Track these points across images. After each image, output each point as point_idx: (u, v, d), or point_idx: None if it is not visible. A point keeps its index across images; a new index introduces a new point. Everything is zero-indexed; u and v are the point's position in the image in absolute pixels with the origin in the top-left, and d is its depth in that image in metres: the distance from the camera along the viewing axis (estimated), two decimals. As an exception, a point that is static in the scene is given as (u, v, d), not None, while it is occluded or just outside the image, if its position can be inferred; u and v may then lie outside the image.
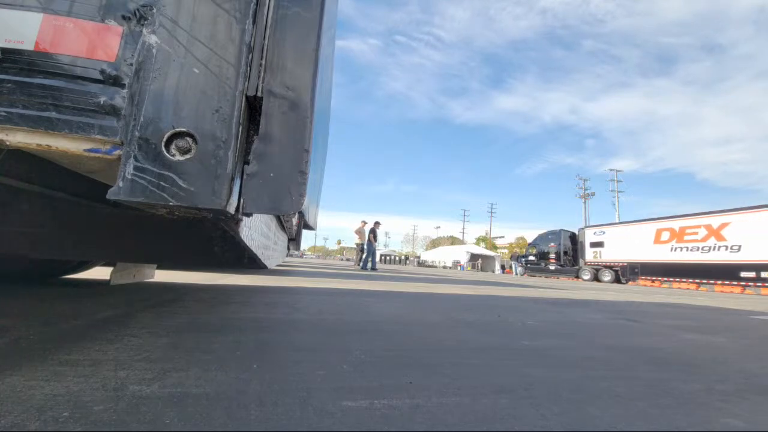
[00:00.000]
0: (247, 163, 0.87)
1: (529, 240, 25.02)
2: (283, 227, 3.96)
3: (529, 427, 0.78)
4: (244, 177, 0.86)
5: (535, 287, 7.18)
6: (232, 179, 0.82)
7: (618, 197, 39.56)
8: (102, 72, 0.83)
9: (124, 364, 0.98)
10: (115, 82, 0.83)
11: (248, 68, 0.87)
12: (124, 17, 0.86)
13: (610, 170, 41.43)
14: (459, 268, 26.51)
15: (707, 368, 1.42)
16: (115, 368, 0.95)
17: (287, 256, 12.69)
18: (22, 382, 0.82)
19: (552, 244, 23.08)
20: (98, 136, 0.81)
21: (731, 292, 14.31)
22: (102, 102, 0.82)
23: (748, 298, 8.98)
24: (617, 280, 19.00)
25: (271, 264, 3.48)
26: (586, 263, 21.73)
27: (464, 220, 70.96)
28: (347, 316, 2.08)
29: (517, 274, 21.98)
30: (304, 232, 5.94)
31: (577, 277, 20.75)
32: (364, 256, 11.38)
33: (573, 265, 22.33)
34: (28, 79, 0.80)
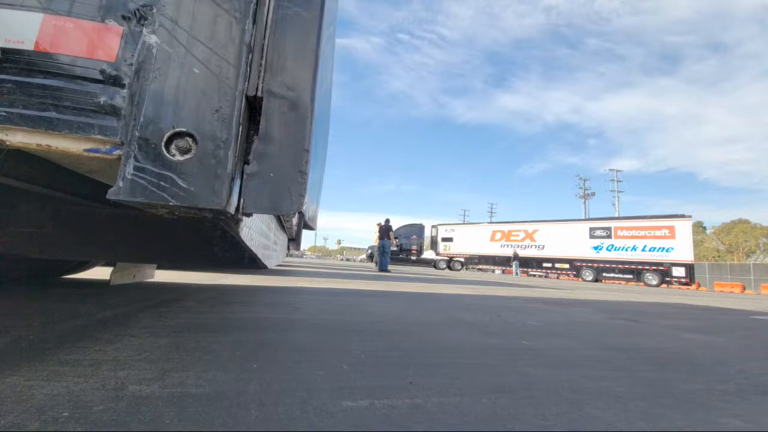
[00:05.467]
0: (247, 163, 0.87)
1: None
2: (283, 227, 3.96)
3: (529, 427, 0.78)
4: (244, 177, 0.86)
5: (534, 287, 7.18)
6: (232, 179, 0.82)
7: (618, 197, 39.59)
8: (102, 72, 0.83)
9: (124, 364, 0.98)
10: (115, 82, 0.83)
11: (248, 68, 0.87)
12: (124, 17, 0.86)
13: (610, 170, 41.42)
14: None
15: (707, 368, 1.42)
16: (115, 368, 0.95)
17: (287, 256, 12.67)
18: (22, 382, 0.82)
19: (414, 236, 25.61)
20: (98, 136, 0.81)
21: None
22: (102, 102, 0.82)
23: (748, 298, 8.97)
24: (463, 268, 25.37)
25: (271, 264, 3.48)
26: (438, 254, 26.82)
27: (464, 221, 71.02)
28: (347, 316, 2.08)
29: (516, 273, 22.01)
30: (304, 232, 5.94)
31: (435, 267, 24.78)
32: (379, 257, 11.08)
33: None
34: (28, 79, 0.80)
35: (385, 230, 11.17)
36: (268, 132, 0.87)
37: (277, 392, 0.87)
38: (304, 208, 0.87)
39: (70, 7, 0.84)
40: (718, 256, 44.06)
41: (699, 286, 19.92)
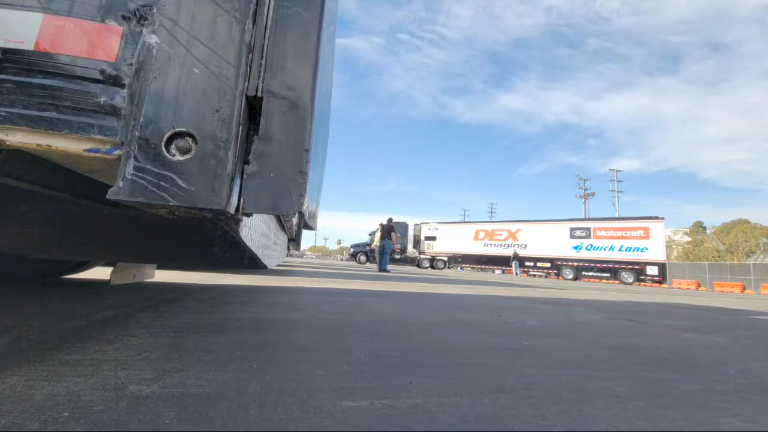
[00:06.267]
0: (247, 163, 0.87)
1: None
2: (283, 227, 3.96)
3: (529, 427, 0.78)
4: (244, 177, 0.86)
5: (534, 287, 7.18)
6: (232, 179, 0.82)
7: (618, 197, 39.63)
8: (102, 72, 0.83)
9: (124, 364, 0.98)
10: (115, 82, 0.83)
11: (248, 68, 0.87)
12: (124, 17, 0.86)
13: (610, 170, 41.47)
14: (459, 268, 26.75)
15: (707, 368, 1.42)
16: (115, 368, 0.95)
17: (287, 256, 12.66)
18: (22, 382, 0.82)
19: (398, 235, 25.18)
20: (98, 136, 0.81)
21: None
22: (102, 102, 0.82)
23: (748, 298, 8.98)
24: (446, 267, 25.55)
25: (271, 264, 3.48)
26: (421, 253, 27.12)
27: (464, 221, 70.99)
28: (347, 316, 2.08)
29: (516, 274, 22.02)
30: (304, 232, 5.93)
31: (418, 266, 25.23)
32: (379, 257, 11.03)
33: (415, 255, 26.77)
34: (28, 79, 0.80)
35: (386, 230, 11.10)
36: (268, 132, 0.87)
37: (277, 392, 0.87)
38: (304, 208, 0.87)
39: (70, 7, 0.84)
40: (718, 256, 44.07)
41: (699, 286, 20.91)
